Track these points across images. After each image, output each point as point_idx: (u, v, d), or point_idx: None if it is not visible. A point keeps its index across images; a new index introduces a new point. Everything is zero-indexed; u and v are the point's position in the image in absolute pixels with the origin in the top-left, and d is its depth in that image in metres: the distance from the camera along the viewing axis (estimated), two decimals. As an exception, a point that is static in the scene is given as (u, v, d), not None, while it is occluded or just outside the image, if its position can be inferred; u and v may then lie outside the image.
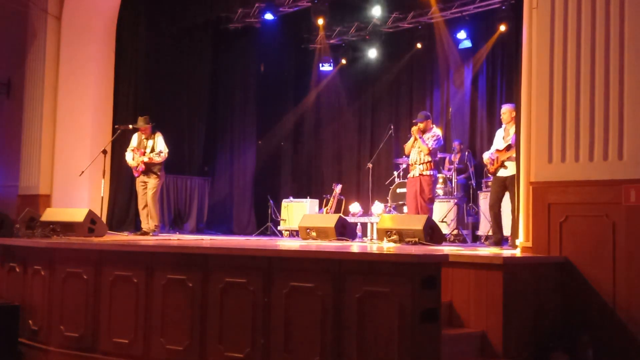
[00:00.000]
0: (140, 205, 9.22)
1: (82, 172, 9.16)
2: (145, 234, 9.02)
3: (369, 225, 10.92)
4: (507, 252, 6.13)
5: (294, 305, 4.51)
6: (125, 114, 10.75)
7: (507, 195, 7.62)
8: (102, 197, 9.25)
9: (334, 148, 14.09)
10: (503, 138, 7.78)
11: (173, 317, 5.14)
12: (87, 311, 5.66)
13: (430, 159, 8.56)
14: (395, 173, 11.46)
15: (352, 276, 4.29)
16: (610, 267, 5.11)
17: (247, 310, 4.72)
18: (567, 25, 5.48)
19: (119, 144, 10.16)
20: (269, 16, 12.24)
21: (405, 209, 10.29)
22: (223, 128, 13.11)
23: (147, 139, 9.19)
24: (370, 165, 11.36)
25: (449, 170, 11.17)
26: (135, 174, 9.18)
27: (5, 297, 6.45)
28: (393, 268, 4.15)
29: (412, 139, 8.74)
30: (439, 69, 12.71)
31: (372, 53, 13.31)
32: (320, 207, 12.23)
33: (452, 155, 11.33)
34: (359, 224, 11.06)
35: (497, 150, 7.73)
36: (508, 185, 7.50)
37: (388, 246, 6.73)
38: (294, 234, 11.62)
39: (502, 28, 11.12)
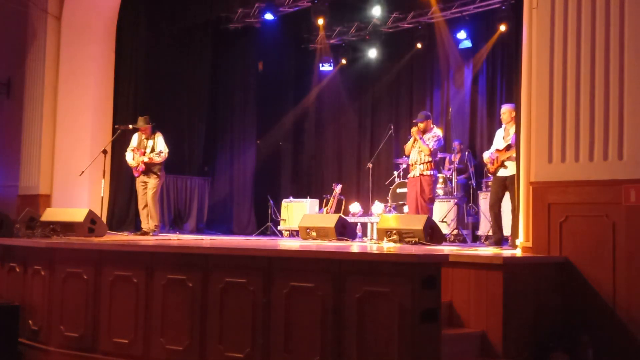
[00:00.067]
0: (140, 205, 9.22)
1: (82, 172, 9.16)
2: (145, 234, 9.02)
3: (369, 225, 10.92)
4: (507, 252, 6.13)
5: (294, 305, 4.51)
6: (125, 114, 10.75)
7: (507, 195, 7.62)
8: (102, 197, 9.25)
9: (334, 148, 14.09)
10: (503, 138, 7.78)
11: (173, 317, 5.14)
12: (87, 311, 5.66)
13: (430, 159, 8.56)
14: (395, 173, 11.46)
15: (352, 276, 4.29)
16: (610, 267, 5.11)
17: (247, 310, 4.72)
18: (567, 25, 5.48)
19: (119, 144, 10.15)
20: (269, 16, 12.24)
21: (405, 209, 10.29)
22: (223, 128, 13.11)
23: (147, 139, 9.19)
24: (370, 165, 11.36)
25: (449, 170, 11.17)
26: (135, 174, 9.18)
27: (5, 297, 6.44)
28: (393, 268, 4.15)
29: (412, 140, 8.75)
30: (439, 69, 12.72)
31: (372, 53, 13.31)
32: (320, 207, 12.23)
33: (452, 155, 11.32)
34: (359, 224, 11.06)
35: (497, 150, 7.73)
36: (508, 185, 7.50)
37: (388, 246, 6.73)
38: (294, 234, 11.62)
39: (502, 28, 11.12)
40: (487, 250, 6.39)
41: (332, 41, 13.56)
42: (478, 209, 10.49)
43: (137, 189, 9.29)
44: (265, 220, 12.48)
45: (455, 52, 12.28)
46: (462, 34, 11.81)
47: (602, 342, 5.01)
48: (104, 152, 9.22)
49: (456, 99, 12.41)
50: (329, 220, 8.28)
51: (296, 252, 4.90)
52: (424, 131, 8.70)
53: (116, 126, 9.90)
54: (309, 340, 4.41)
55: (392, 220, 7.45)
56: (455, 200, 10.54)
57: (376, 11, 12.30)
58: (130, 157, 9.20)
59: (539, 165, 5.55)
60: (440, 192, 10.79)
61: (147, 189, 9.09)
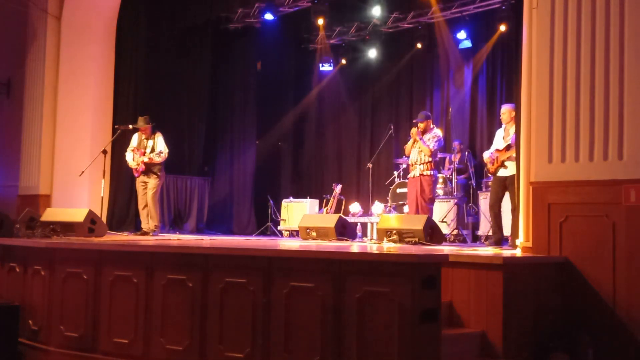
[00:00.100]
0: (140, 205, 9.22)
1: (82, 172, 9.16)
2: (145, 234, 9.02)
3: (369, 225, 10.92)
4: (507, 252, 6.13)
5: (294, 305, 4.51)
6: (125, 114, 10.75)
7: (507, 195, 7.62)
8: (102, 197, 9.25)
9: (334, 148, 14.09)
10: (503, 138, 7.78)
11: (173, 317, 5.14)
12: (87, 311, 5.66)
13: (430, 159, 8.56)
14: (395, 173, 11.46)
15: (352, 276, 4.29)
16: (610, 267, 5.11)
17: (247, 310, 4.72)
18: (567, 25, 5.48)
19: (119, 144, 10.15)
20: (268, 16, 12.25)
21: (405, 209, 10.29)
22: (223, 128, 13.11)
23: (147, 139, 9.19)
24: (370, 165, 11.36)
25: (449, 170, 11.17)
26: (136, 174, 9.18)
27: (5, 297, 6.44)
28: (393, 268, 4.15)
29: (411, 140, 8.74)
30: (439, 69, 12.72)
31: (372, 53, 13.31)
32: (320, 207, 12.24)
33: (452, 155, 11.32)
34: (359, 224, 11.06)
35: (497, 150, 7.73)
36: (508, 185, 7.50)
37: (388, 246, 6.73)
38: (294, 234, 11.62)
39: (502, 28, 11.13)
40: (487, 250, 6.39)
41: (332, 41, 13.56)
42: (478, 209, 10.49)
43: (137, 189, 9.29)
44: (265, 220, 12.48)
45: (455, 52, 12.28)
46: (462, 34, 11.81)
47: (602, 342, 5.01)
48: (104, 152, 9.22)
49: (456, 99, 12.41)
50: (329, 220, 8.27)
51: (296, 252, 4.90)
52: (424, 131, 8.70)
53: (116, 126, 9.89)
54: (309, 340, 4.41)
55: (392, 220, 7.45)
56: (455, 200, 10.54)
57: (376, 11, 12.30)
58: (130, 157, 9.20)
59: (539, 165, 5.55)
60: (440, 192, 10.79)
61: (147, 189, 9.09)
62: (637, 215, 5.04)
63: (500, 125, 8.13)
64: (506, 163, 7.57)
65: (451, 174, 11.00)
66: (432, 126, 8.83)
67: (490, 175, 8.39)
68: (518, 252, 5.80)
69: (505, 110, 7.79)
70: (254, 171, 13.26)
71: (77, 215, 7.58)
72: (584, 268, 5.23)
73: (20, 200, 10.64)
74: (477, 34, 11.94)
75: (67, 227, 7.41)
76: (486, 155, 7.89)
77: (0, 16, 11.34)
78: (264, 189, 12.90)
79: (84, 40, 10.75)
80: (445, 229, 9.77)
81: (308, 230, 8.31)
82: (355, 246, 6.47)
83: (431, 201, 8.64)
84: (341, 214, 9.80)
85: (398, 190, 11.03)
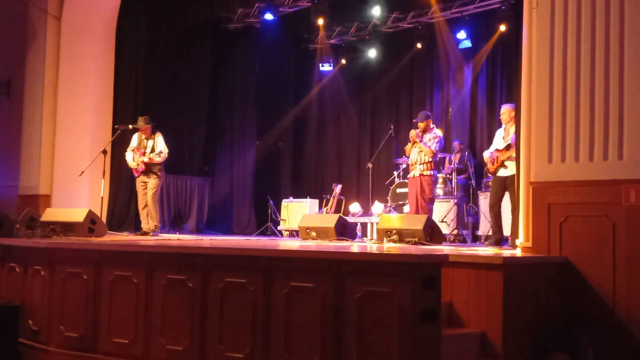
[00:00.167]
0: (140, 205, 9.22)
1: (82, 172, 9.15)
2: (145, 234, 9.02)
3: (369, 225, 10.92)
4: (507, 252, 6.13)
5: (294, 305, 4.51)
6: (125, 114, 10.75)
7: (507, 195, 7.62)
8: (102, 197, 9.24)
9: (334, 148, 14.09)
10: (503, 138, 7.78)
11: (173, 317, 5.15)
12: (87, 311, 5.66)
13: (430, 159, 8.56)
14: (395, 173, 11.46)
15: (352, 276, 4.29)
16: (610, 267, 5.11)
17: (247, 310, 4.72)
18: (567, 25, 5.48)
19: (119, 144, 10.15)
20: (268, 16, 12.25)
21: (405, 209, 10.29)
22: (223, 128, 13.11)
23: (147, 139, 9.19)
24: (370, 165, 11.36)
25: (449, 170, 11.17)
26: (135, 174, 9.18)
27: (5, 297, 6.44)
28: (393, 268, 4.15)
29: (411, 143, 8.73)
30: (439, 69, 12.72)
31: (372, 53, 13.31)
32: (320, 207, 12.24)
33: (452, 155, 11.32)
34: (359, 224, 11.06)
35: (497, 150, 7.73)
36: (508, 185, 7.50)
37: (388, 246, 6.73)
38: (294, 234, 11.62)
39: (502, 28, 11.13)
40: (487, 250, 6.39)
41: (332, 41, 13.56)
42: (478, 209, 10.49)
43: (137, 189, 9.29)
44: (265, 220, 12.48)
45: (456, 52, 12.28)
46: (462, 34, 11.81)
47: (602, 342, 5.01)
48: (104, 152, 9.22)
49: (456, 99, 12.41)
50: (329, 220, 8.27)
51: (296, 252, 4.90)
52: (424, 131, 8.70)
53: (116, 126, 9.89)
54: (309, 340, 4.41)
55: (392, 220, 7.45)
56: (455, 200, 10.54)
57: (376, 11, 12.31)
58: (130, 157, 9.20)
59: (539, 165, 5.55)
60: (440, 192, 10.79)
61: (147, 189, 9.09)
62: (637, 215, 5.04)
63: (500, 125, 8.13)
64: (506, 163, 7.57)
65: (451, 174, 11.00)
66: (432, 126, 8.83)
67: (490, 175, 8.39)
68: (518, 252, 5.80)
69: (505, 110, 7.80)
70: (254, 171, 13.26)
71: (77, 215, 7.58)
72: (584, 268, 5.23)
73: (20, 200, 10.64)
74: (477, 34, 11.94)
75: (67, 227, 7.41)
76: (486, 154, 7.89)
77: (0, 16, 11.34)
78: (264, 189, 12.90)
79: (84, 40, 10.74)
80: (445, 229, 9.78)
81: (308, 230, 8.30)
82: (355, 246, 6.47)
83: (431, 201, 8.64)
84: (341, 214, 9.80)
85: (398, 190, 11.03)
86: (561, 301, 5.26)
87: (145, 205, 9.10)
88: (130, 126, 9.40)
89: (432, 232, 7.10)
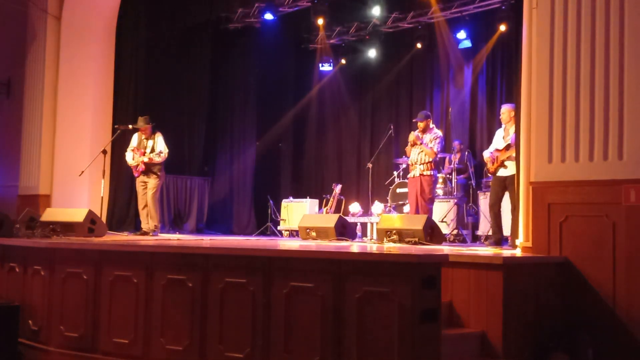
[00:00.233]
0: (140, 205, 9.22)
1: (82, 172, 9.15)
2: (145, 234, 9.02)
3: (369, 225, 10.92)
4: (507, 252, 6.13)
5: (294, 305, 4.51)
6: (125, 114, 10.75)
7: (507, 195, 7.62)
8: (102, 197, 9.24)
9: (334, 148, 14.09)
10: (503, 138, 7.78)
11: (173, 317, 5.14)
12: (87, 311, 5.66)
13: (431, 160, 8.56)
14: (395, 173, 11.46)
15: (352, 276, 4.29)
16: (610, 267, 5.11)
17: (247, 310, 4.72)
18: (567, 25, 5.48)
19: (119, 144, 10.15)
20: (268, 16, 12.25)
21: (405, 208, 10.29)
22: (223, 128, 13.12)
23: (147, 139, 9.18)
24: (370, 165, 11.36)
25: (449, 170, 11.17)
26: (135, 174, 9.18)
27: (5, 297, 6.45)
28: (393, 268, 4.15)
29: (410, 145, 8.73)
30: (439, 69, 12.72)
31: (372, 53, 13.31)
32: (320, 207, 12.24)
33: (452, 155, 11.32)
34: (359, 224, 11.06)
35: (497, 150, 7.73)
36: (508, 185, 7.50)
37: (388, 246, 6.73)
38: (294, 234, 11.62)
39: (502, 28, 11.13)
40: (487, 250, 6.39)
41: (332, 41, 13.56)
42: (478, 209, 10.49)
43: (137, 189, 9.29)
44: (265, 220, 12.48)
45: (455, 52, 12.28)
46: (462, 34, 11.81)
47: (602, 342, 5.01)
48: (104, 152, 9.22)
49: (456, 99, 12.41)
50: (329, 220, 8.27)
51: (296, 252, 4.90)
52: (424, 130, 8.70)
53: (116, 126, 9.89)
54: (309, 340, 4.41)
55: (392, 220, 7.45)
56: (455, 200, 10.54)
57: (376, 11, 12.31)
58: (130, 157, 9.20)
59: (539, 165, 5.55)
60: (440, 192, 10.80)
61: (147, 189, 9.09)
62: (637, 215, 5.04)
63: (500, 125, 8.13)
64: (506, 163, 7.57)
65: (451, 174, 11.01)
66: (431, 126, 8.83)
67: (490, 175, 8.39)
68: (518, 252, 5.80)
69: (505, 110, 7.80)
70: (253, 171, 13.26)
71: (77, 215, 7.58)
72: (584, 268, 5.23)
73: (20, 200, 10.64)
74: (477, 34, 11.94)
75: (67, 227, 7.41)
76: (486, 154, 7.88)
77: (0, 16, 11.34)
78: (264, 189, 12.90)
79: (84, 40, 10.74)
80: (445, 229, 9.78)
81: (308, 230, 8.30)
82: (355, 246, 6.47)
83: (431, 201, 8.64)
84: (341, 214, 9.80)
85: (398, 190, 11.03)
86: (561, 301, 5.26)
87: (145, 205, 9.10)
88: (130, 126, 9.40)
89: (432, 232, 7.10)
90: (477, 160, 11.17)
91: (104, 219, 9.06)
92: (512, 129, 7.51)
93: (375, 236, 8.69)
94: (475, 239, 10.38)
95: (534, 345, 4.94)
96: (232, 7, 12.32)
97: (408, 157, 9.01)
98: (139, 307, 5.34)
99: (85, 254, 5.81)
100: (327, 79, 14.00)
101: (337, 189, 12.17)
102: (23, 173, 10.79)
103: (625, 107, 5.17)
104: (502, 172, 7.62)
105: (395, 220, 7.42)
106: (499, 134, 7.94)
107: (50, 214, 7.79)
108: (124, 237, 8.40)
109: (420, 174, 8.55)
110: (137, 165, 9.07)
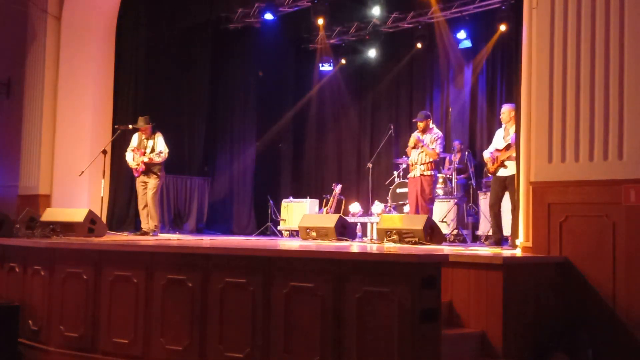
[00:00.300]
0: (140, 205, 9.22)
1: (82, 172, 9.15)
2: (145, 234, 9.02)
3: (369, 225, 10.92)
4: (507, 252, 6.13)
5: (293, 305, 4.51)
6: (125, 114, 10.75)
7: (507, 195, 7.62)
8: (102, 197, 9.24)
9: (334, 148, 14.10)
10: (503, 138, 7.79)
11: (173, 317, 5.14)
12: (87, 311, 5.66)
13: (431, 160, 8.57)
14: (395, 173, 11.46)
15: (352, 276, 4.29)
16: (610, 267, 5.11)
17: (247, 310, 4.72)
18: (567, 25, 5.48)
19: (119, 144, 10.15)
20: (268, 16, 12.26)
21: (405, 208, 10.29)
22: (223, 128, 13.12)
23: (147, 139, 9.19)
24: (370, 165, 11.36)
25: (449, 170, 11.17)
26: (135, 174, 9.18)
27: (5, 297, 6.45)
28: (393, 268, 4.15)
29: (410, 147, 8.72)
30: (439, 69, 12.72)
31: (372, 53, 13.32)
32: (320, 207, 12.24)
33: (452, 155, 11.32)
34: (359, 224, 11.06)
35: (497, 150, 7.73)
36: (508, 185, 7.50)
37: (388, 246, 6.73)
38: (294, 234, 11.62)
39: (502, 28, 11.13)
40: (487, 250, 6.39)
41: (332, 41, 13.56)
42: (478, 209, 10.49)
43: (137, 189, 9.29)
44: (265, 220, 12.48)
45: (456, 52, 12.29)
46: (462, 34, 11.81)
47: (602, 342, 5.01)
48: (104, 152, 9.22)
49: (456, 98, 12.41)
50: (329, 220, 8.27)
51: (296, 252, 4.90)
52: (424, 130, 8.70)
53: (116, 126, 9.89)
54: (308, 340, 4.41)
55: (392, 220, 7.45)
56: (455, 200, 10.54)
57: (376, 11, 12.31)
58: (130, 157, 9.20)
59: (539, 165, 5.54)
60: (440, 192, 10.80)
61: (147, 189, 9.09)
62: (637, 215, 5.03)
63: (500, 125, 8.14)
64: (506, 163, 7.57)
65: (451, 174, 11.01)
66: (431, 126, 8.83)
67: (490, 175, 8.39)
68: (518, 252, 5.80)
69: (505, 110, 7.80)
70: (253, 171, 13.26)
71: (77, 215, 7.59)
72: (583, 268, 5.23)
73: (20, 200, 10.64)
74: (477, 34, 11.94)
75: (67, 227, 7.41)
76: (486, 154, 7.88)
77: (0, 16, 11.33)
78: (264, 189, 12.90)
79: (84, 40, 10.74)
80: (445, 229, 9.77)
81: (308, 230, 8.30)
82: (355, 246, 6.47)
83: (431, 201, 8.64)
84: (341, 214, 9.80)
85: (398, 190, 11.03)
86: (561, 301, 5.26)
87: (145, 205, 9.10)
88: (130, 126, 9.40)
89: (432, 232, 7.10)
90: (477, 160, 11.17)
91: (104, 219, 9.06)
92: (512, 129, 7.51)
93: (375, 236, 8.69)
94: (476, 239, 10.38)
95: (533, 345, 4.94)
96: (232, 7, 12.33)
97: (408, 157, 9.01)
98: (138, 307, 5.34)
99: (85, 254, 5.81)
100: (327, 79, 14.00)
101: (337, 189, 12.17)
102: (23, 173, 10.79)
103: (625, 107, 5.17)
104: (502, 172, 7.62)
105: (395, 220, 7.42)
106: (499, 134, 7.94)
107: (50, 214, 7.79)
108: (124, 237, 8.40)
109: (421, 174, 8.55)
110: (137, 166, 9.07)
